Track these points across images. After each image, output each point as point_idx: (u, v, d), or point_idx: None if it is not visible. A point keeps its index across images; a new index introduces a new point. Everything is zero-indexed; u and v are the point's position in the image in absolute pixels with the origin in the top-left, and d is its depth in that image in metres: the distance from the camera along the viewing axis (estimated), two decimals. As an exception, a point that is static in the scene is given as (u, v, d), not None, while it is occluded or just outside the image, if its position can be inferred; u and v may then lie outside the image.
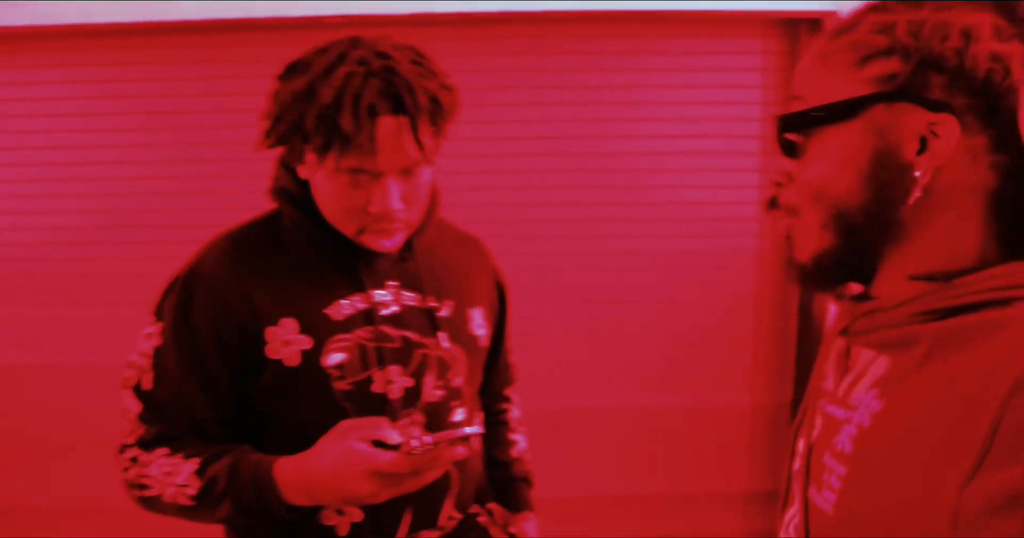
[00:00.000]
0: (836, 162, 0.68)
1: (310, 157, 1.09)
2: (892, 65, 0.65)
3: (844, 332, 0.74)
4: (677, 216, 2.37)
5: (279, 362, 1.12)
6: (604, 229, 2.36)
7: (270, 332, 1.12)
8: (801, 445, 0.77)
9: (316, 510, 1.13)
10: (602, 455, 2.42)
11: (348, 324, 1.14)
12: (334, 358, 1.13)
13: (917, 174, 0.64)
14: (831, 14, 2.18)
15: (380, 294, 1.17)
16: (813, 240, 0.71)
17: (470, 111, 2.27)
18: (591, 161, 2.34)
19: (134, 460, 1.14)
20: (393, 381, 1.15)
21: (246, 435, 1.16)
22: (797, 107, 0.72)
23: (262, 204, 1.22)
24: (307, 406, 1.13)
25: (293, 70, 1.09)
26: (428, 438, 1.02)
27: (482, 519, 1.24)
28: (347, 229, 1.12)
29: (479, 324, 1.27)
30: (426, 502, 1.16)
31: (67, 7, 2.09)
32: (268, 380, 1.13)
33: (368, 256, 1.17)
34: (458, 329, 1.23)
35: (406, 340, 1.17)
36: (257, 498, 1.06)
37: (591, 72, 2.30)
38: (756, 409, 2.46)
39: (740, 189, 2.37)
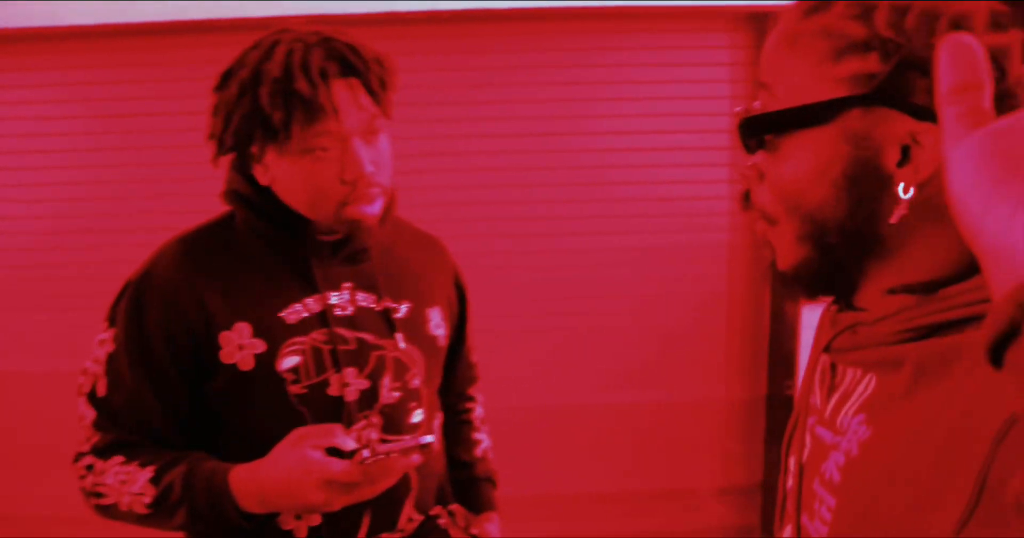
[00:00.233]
0: (808, 170, 0.61)
1: (270, 153, 1.09)
2: (870, 64, 0.58)
3: (827, 349, 0.69)
4: (647, 212, 2.37)
5: (233, 366, 1.11)
6: (574, 226, 2.36)
7: (224, 336, 1.12)
8: (792, 463, 0.73)
9: (273, 516, 1.12)
10: (577, 453, 2.42)
11: (303, 327, 1.14)
12: (288, 362, 1.12)
13: (899, 188, 0.58)
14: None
15: (335, 296, 1.17)
16: (789, 252, 0.66)
17: (438, 109, 2.29)
18: (560, 158, 2.33)
19: (90, 468, 1.14)
20: (349, 384, 1.14)
21: (203, 441, 1.16)
22: (764, 99, 0.65)
23: (220, 208, 1.21)
24: (262, 411, 1.13)
25: (228, 75, 1.11)
26: (382, 447, 1.03)
27: (443, 521, 1.24)
28: (326, 209, 1.11)
29: (437, 324, 1.26)
30: (385, 504, 1.16)
31: (29, 8, 2.06)
32: (223, 385, 1.13)
33: (323, 258, 1.16)
34: (415, 330, 1.22)
35: (361, 342, 1.16)
36: (212, 506, 1.06)
37: (558, 69, 2.30)
38: (730, 404, 2.46)
39: (710, 184, 2.37)
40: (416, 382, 1.21)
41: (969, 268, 0.58)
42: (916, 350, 0.58)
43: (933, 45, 0.55)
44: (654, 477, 2.45)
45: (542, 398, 2.40)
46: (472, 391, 1.45)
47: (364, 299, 1.19)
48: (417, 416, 1.21)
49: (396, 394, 1.18)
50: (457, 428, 1.40)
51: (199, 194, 2.17)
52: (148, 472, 1.09)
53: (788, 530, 0.72)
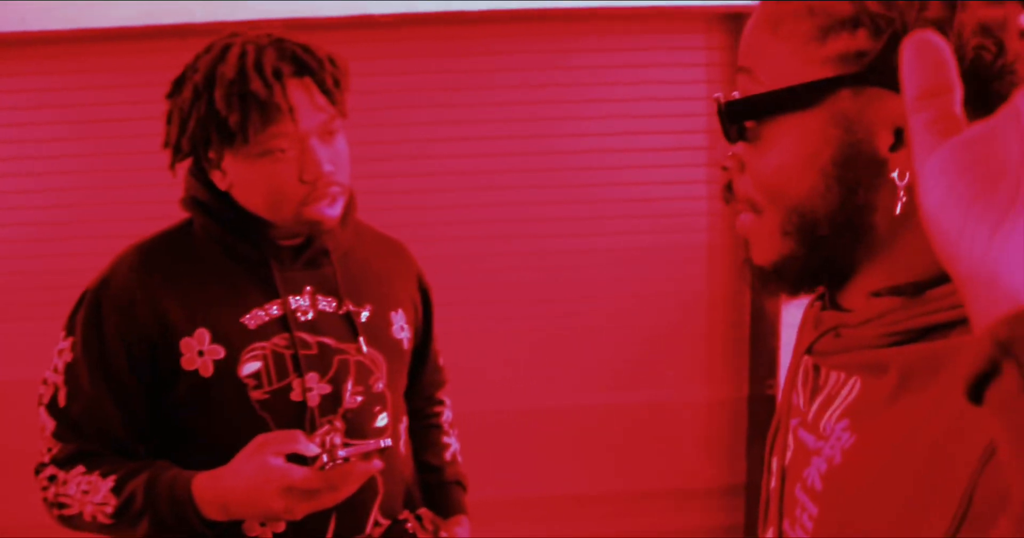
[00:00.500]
0: (794, 158, 0.57)
1: (227, 157, 1.09)
2: (859, 41, 0.54)
3: (810, 350, 0.66)
4: (625, 213, 2.36)
5: (194, 373, 1.11)
6: (553, 228, 2.35)
7: (185, 343, 1.11)
8: (775, 464, 0.71)
9: (238, 523, 1.12)
10: (558, 454, 2.41)
11: (263, 332, 1.13)
12: (250, 367, 1.12)
13: (894, 174, 0.54)
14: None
15: (296, 300, 1.16)
16: (773, 246, 0.61)
17: (415, 112, 2.28)
18: (538, 160, 2.33)
19: (52, 479, 1.14)
20: (311, 388, 1.13)
21: (165, 449, 1.15)
22: (745, 84, 0.60)
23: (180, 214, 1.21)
24: (224, 417, 1.12)
25: (181, 81, 1.11)
26: (342, 452, 1.03)
27: (410, 525, 1.23)
28: (286, 210, 1.11)
29: (401, 327, 1.26)
30: (352, 509, 1.15)
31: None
32: (185, 392, 1.12)
33: (283, 262, 1.16)
34: (378, 333, 1.22)
35: (323, 346, 1.16)
36: (175, 514, 1.06)
37: (535, 71, 2.29)
38: (713, 404, 2.46)
39: (689, 184, 2.37)
40: (380, 386, 1.20)
41: None
42: (901, 355, 0.55)
43: (926, 19, 0.52)
44: (637, 478, 2.45)
45: (524, 400, 2.40)
46: (440, 395, 1.44)
47: (325, 303, 1.18)
48: (381, 420, 1.20)
49: (359, 398, 1.17)
50: (426, 432, 1.39)
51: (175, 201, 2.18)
52: (110, 482, 1.09)
53: (771, 532, 0.70)
